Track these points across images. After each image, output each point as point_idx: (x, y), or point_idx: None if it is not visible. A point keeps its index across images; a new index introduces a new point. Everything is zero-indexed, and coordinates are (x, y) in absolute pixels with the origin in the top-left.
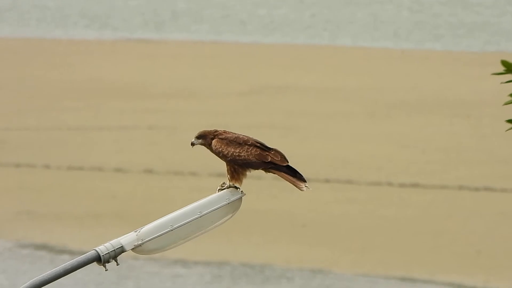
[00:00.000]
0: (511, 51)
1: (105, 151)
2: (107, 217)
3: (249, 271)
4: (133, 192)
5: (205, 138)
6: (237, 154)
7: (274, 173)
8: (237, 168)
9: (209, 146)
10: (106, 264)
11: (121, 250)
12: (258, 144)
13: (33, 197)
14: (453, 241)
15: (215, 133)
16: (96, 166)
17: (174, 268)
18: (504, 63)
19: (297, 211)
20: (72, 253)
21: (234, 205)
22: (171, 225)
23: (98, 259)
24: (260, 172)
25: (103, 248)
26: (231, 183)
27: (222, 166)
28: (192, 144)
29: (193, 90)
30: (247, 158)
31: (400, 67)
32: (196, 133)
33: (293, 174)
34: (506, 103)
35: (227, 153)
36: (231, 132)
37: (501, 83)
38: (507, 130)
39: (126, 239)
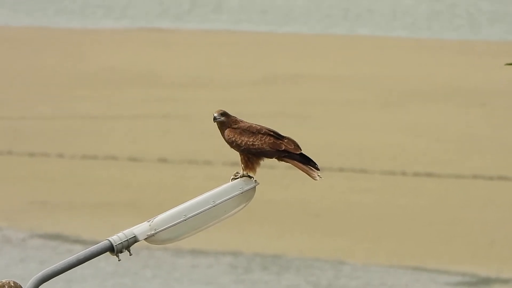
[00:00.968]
0: None
1: (119, 140)
2: (121, 207)
3: (262, 261)
4: (147, 182)
5: (228, 117)
6: (251, 143)
7: (287, 162)
8: (251, 158)
9: (224, 129)
10: (119, 254)
11: (134, 240)
12: (272, 133)
13: (46, 187)
14: (467, 230)
15: (234, 120)
16: (110, 155)
17: (187, 257)
18: None
19: (311, 201)
20: (85, 243)
21: (247, 195)
22: (184, 215)
23: (111, 249)
24: (273, 161)
25: (116, 238)
26: (244, 173)
27: (236, 155)
28: (215, 118)
29: (208, 79)
30: (261, 147)
31: (415, 56)
32: (219, 110)
33: (307, 163)
34: None
35: (241, 143)
36: (244, 121)
37: None
38: None
39: (139, 229)
